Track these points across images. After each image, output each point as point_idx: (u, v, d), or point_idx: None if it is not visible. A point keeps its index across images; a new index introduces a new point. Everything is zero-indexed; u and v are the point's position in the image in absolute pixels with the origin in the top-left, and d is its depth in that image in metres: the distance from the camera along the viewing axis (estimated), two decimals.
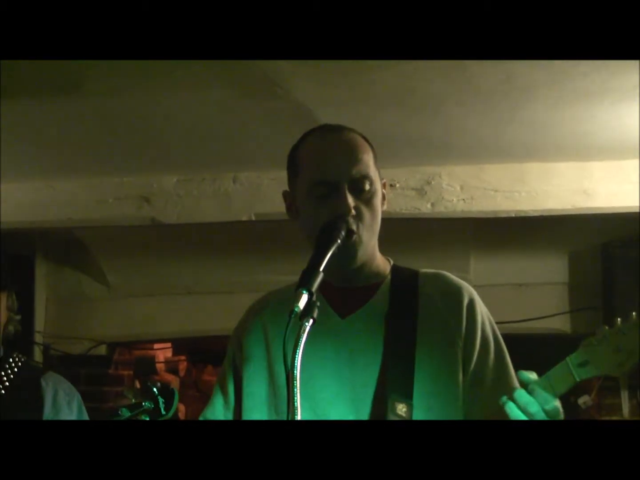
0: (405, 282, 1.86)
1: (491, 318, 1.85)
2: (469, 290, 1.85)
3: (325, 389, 1.75)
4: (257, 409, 1.83)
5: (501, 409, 1.66)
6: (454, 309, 1.81)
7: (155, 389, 1.82)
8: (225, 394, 1.92)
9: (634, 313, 1.57)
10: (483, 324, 1.82)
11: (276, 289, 1.99)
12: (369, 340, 1.80)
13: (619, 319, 1.58)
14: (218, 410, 1.91)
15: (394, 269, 1.90)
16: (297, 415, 1.47)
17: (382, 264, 1.88)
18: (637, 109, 3.18)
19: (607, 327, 1.59)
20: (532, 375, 1.63)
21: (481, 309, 1.83)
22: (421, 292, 1.84)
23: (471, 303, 1.82)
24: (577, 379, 1.60)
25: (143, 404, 1.81)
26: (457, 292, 1.83)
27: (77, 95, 3.02)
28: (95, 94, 3.02)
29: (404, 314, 1.80)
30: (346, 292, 1.82)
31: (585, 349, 1.60)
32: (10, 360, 2.72)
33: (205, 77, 2.87)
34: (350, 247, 1.74)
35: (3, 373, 2.68)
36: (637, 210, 3.89)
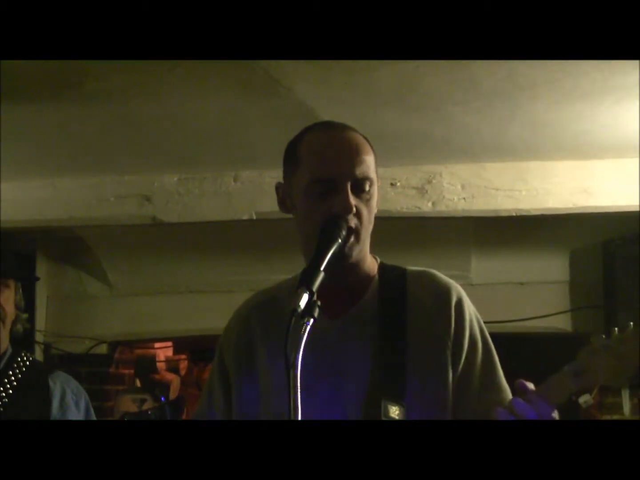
0: (393, 281, 1.84)
1: (479, 317, 1.85)
2: (457, 290, 1.84)
3: (315, 394, 1.72)
4: (249, 416, 1.82)
5: (490, 409, 1.65)
6: (443, 308, 1.80)
7: (163, 399, 1.81)
8: (213, 403, 1.90)
9: (631, 323, 1.56)
10: (471, 322, 1.81)
11: (258, 292, 1.96)
12: (359, 342, 1.78)
13: (616, 329, 1.58)
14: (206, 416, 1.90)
15: (382, 267, 1.88)
16: (297, 415, 1.46)
17: (371, 263, 1.87)
18: (637, 108, 3.18)
19: (604, 337, 1.59)
20: (530, 385, 1.63)
21: (469, 308, 1.83)
22: (409, 291, 1.83)
23: (459, 302, 1.81)
24: (574, 389, 1.59)
25: (149, 412, 1.80)
26: (445, 291, 1.82)
27: (77, 95, 3.02)
28: (96, 93, 3.02)
29: (393, 315, 1.79)
30: (336, 293, 1.79)
31: (582, 358, 1.60)
32: (19, 359, 2.69)
33: (207, 76, 2.87)
34: (348, 245, 1.73)
35: (11, 372, 2.65)
36: (638, 209, 3.89)
